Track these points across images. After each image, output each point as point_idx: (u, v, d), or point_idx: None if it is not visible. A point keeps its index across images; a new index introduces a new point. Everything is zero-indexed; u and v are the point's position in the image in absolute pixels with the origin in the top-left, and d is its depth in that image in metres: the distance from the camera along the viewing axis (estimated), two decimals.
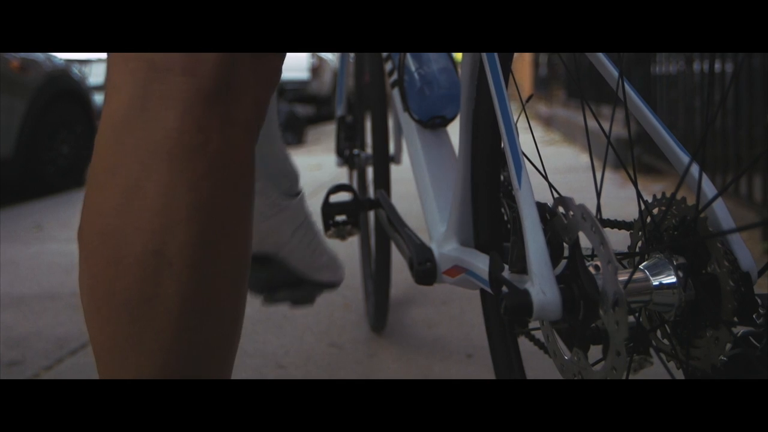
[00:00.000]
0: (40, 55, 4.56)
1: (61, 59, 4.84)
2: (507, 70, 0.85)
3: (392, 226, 1.19)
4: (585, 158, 4.98)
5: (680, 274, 0.61)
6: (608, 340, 0.61)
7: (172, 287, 0.53)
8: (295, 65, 9.98)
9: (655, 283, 0.62)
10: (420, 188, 1.08)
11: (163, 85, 0.53)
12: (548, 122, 8.15)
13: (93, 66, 6.46)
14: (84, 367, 1.60)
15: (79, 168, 4.91)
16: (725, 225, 0.62)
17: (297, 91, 10.49)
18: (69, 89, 4.80)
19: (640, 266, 0.64)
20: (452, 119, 1.11)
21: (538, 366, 1.43)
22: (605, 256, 0.58)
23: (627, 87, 0.76)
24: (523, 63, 15.79)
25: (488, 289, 0.82)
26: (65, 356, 1.67)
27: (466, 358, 1.56)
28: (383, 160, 1.58)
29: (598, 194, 0.68)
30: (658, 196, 0.69)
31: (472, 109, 0.90)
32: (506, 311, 0.64)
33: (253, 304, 2.01)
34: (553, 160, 4.83)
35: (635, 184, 0.68)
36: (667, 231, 0.65)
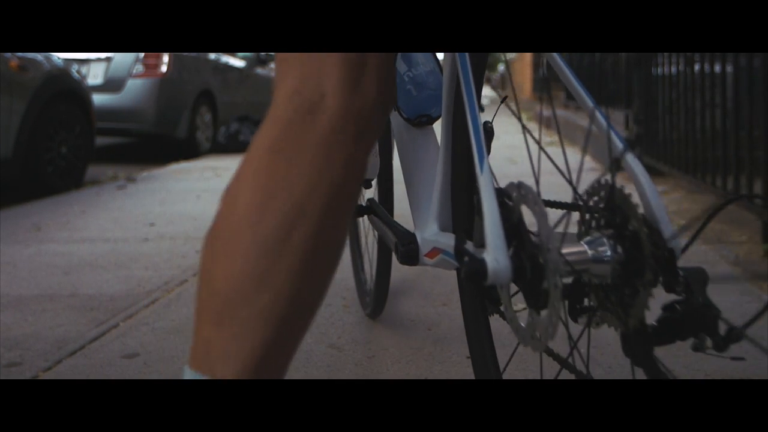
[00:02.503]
0: (39, 55, 4.56)
1: (60, 59, 4.83)
2: (481, 70, 0.96)
3: (379, 220, 1.27)
4: (585, 158, 4.97)
5: (610, 244, 0.73)
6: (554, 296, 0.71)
7: (302, 235, 0.67)
8: None
9: (591, 252, 0.74)
10: (407, 181, 1.18)
11: (322, 103, 0.70)
12: (548, 123, 8.14)
13: (92, 66, 6.46)
14: (83, 368, 1.60)
15: (78, 168, 4.90)
16: (655, 205, 0.73)
17: None
18: (68, 89, 4.79)
19: (581, 241, 0.75)
20: (437, 118, 1.18)
21: (537, 368, 1.43)
22: (543, 225, 0.72)
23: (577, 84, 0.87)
24: (523, 64, 15.80)
25: (457, 264, 0.93)
26: (64, 357, 1.67)
27: (466, 359, 1.55)
28: (386, 159, 1.61)
29: (537, 181, 0.81)
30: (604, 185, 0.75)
31: (452, 108, 0.99)
32: (466, 276, 0.75)
33: None
34: (555, 160, 4.80)
35: (571, 178, 0.72)
36: (600, 211, 0.76)
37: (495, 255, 0.73)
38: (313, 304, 0.72)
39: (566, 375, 0.90)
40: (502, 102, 0.98)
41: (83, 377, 1.55)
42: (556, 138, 7.04)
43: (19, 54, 4.33)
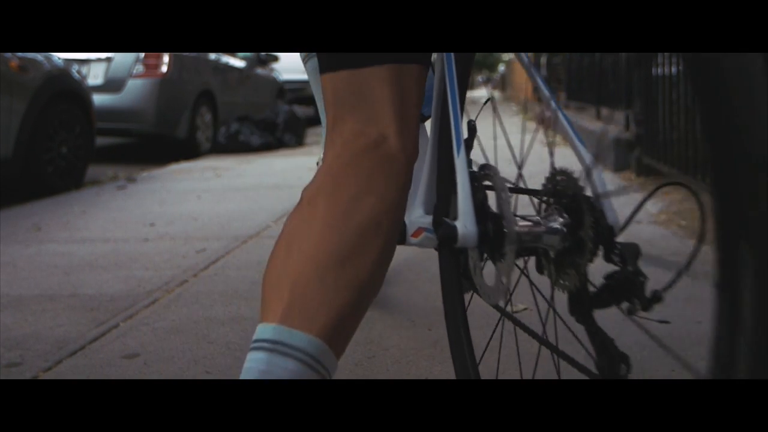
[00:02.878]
0: (39, 55, 4.56)
1: (60, 59, 4.83)
2: (467, 69, 1.11)
3: None
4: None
5: (561, 221, 0.88)
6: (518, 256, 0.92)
7: (388, 224, 0.85)
8: (295, 66, 9.99)
9: (546, 226, 0.90)
10: None
11: (386, 143, 0.87)
12: (548, 123, 8.15)
13: (92, 66, 6.46)
14: (83, 369, 1.60)
15: (78, 169, 4.90)
16: (600, 189, 0.86)
17: (297, 92, 10.49)
18: (68, 89, 4.79)
19: (537, 217, 0.92)
20: (429, 117, 1.28)
21: (538, 370, 1.43)
22: (501, 193, 0.91)
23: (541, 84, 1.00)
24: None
25: (436, 239, 1.10)
26: (64, 357, 1.67)
27: None
28: None
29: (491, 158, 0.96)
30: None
31: (440, 106, 1.13)
32: (440, 240, 0.96)
33: (252, 307, 2.01)
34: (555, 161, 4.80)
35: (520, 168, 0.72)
36: (554, 195, 0.92)
37: (465, 222, 0.92)
38: (378, 285, 0.87)
39: (550, 369, 0.90)
40: (485, 103, 1.13)
41: (83, 377, 1.55)
42: (556, 138, 7.04)
43: (20, 54, 4.33)
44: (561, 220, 0.89)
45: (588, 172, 0.86)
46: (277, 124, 7.47)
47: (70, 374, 1.57)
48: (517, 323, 1.04)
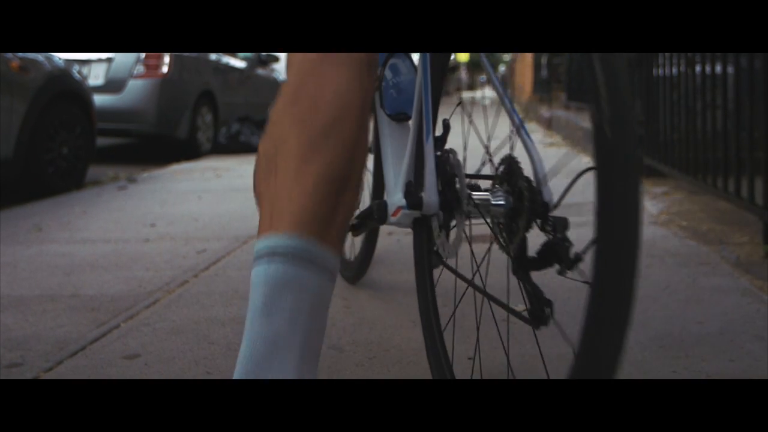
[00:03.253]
0: (40, 56, 4.56)
1: (61, 59, 4.83)
2: (443, 68, 1.31)
3: None
4: (586, 159, 4.98)
5: (505, 195, 1.08)
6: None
7: (355, 110, 0.90)
8: None
9: (492, 199, 1.09)
10: (384, 162, 1.50)
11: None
12: (549, 124, 8.15)
13: (93, 66, 6.46)
14: (84, 369, 1.60)
15: (78, 169, 4.90)
16: (540, 173, 1.03)
17: None
18: (69, 90, 4.79)
19: (486, 192, 1.11)
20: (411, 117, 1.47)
21: (537, 370, 1.43)
22: (460, 175, 1.15)
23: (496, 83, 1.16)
24: (524, 65, 15.80)
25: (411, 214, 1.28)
26: (65, 358, 1.67)
27: (467, 360, 1.56)
28: (379, 156, 1.68)
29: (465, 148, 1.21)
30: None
31: (419, 107, 1.28)
32: (409, 206, 1.23)
33: None
34: (554, 161, 4.81)
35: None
36: (502, 176, 1.10)
37: (429, 193, 1.16)
38: (356, 180, 0.91)
39: (536, 370, 0.90)
40: (458, 105, 1.26)
41: (84, 378, 1.55)
42: (557, 139, 7.04)
43: (20, 54, 4.33)
44: (505, 193, 1.07)
45: (518, 132, 1.05)
46: None
47: (70, 375, 1.57)
48: (454, 272, 1.24)
